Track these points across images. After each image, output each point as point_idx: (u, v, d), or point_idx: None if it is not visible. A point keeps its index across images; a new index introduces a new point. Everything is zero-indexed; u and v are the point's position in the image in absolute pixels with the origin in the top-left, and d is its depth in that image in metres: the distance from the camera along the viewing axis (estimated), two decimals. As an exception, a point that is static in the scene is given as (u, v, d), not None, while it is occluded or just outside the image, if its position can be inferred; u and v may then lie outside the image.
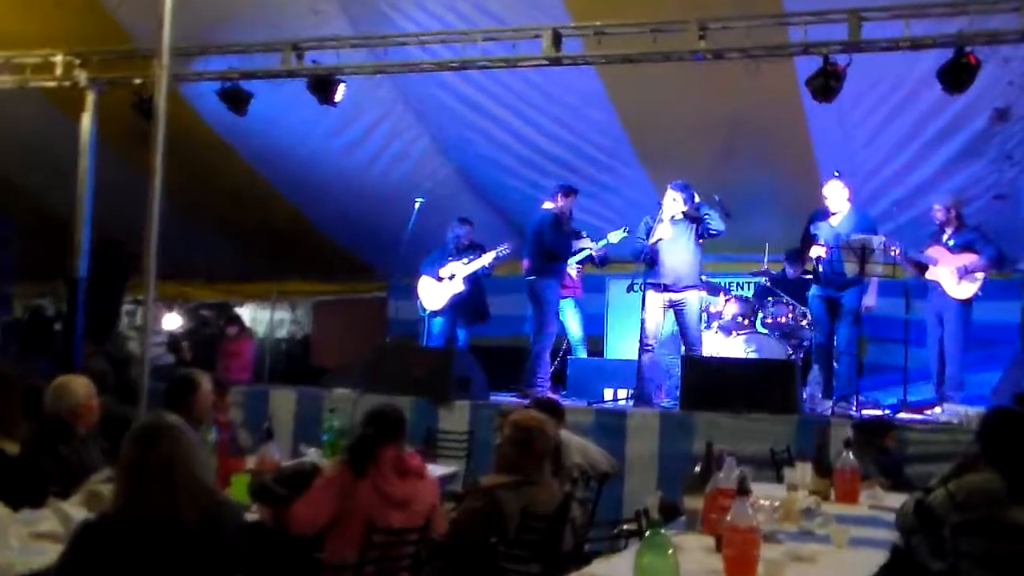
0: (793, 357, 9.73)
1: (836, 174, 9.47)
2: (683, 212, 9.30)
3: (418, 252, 10.84)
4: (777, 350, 9.83)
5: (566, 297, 10.72)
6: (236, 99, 9.67)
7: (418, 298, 10.92)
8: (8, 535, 3.99)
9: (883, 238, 8.98)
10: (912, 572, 4.42)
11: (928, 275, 9.39)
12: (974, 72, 7.81)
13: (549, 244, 9.87)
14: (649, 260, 9.33)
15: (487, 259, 10.54)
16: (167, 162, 6.41)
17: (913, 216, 10.16)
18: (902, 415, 8.72)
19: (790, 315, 10.04)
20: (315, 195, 12.41)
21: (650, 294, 9.34)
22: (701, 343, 9.65)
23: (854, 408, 8.77)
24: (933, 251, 9.38)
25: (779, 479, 6.27)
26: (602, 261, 10.82)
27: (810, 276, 10.10)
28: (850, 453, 5.49)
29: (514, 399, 9.28)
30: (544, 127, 10.92)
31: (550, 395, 9.09)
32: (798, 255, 10.35)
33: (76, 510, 4.38)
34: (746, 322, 10.13)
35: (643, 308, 9.33)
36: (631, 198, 11.42)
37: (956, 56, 7.78)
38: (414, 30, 9.56)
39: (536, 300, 9.95)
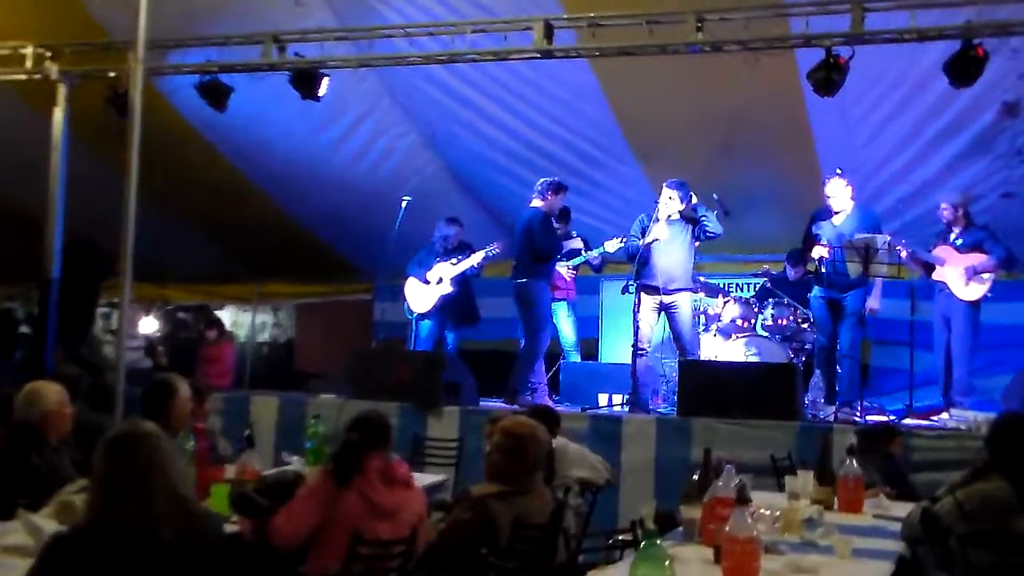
0: (794, 361, 9.74)
1: (838, 172, 9.48)
2: (679, 212, 9.31)
3: (405, 252, 10.83)
4: (778, 354, 9.83)
5: (559, 299, 10.72)
6: (215, 94, 9.64)
7: (405, 300, 10.91)
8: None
9: (888, 237, 9.00)
10: (918, 584, 4.43)
11: (935, 276, 9.40)
12: (982, 65, 7.81)
13: (539, 245, 9.81)
14: (642, 260, 9.34)
15: (476, 259, 10.54)
16: (143, 159, 6.40)
17: (919, 215, 10.19)
18: (908, 421, 8.74)
19: (791, 317, 10.05)
20: (298, 193, 12.39)
21: (642, 296, 9.36)
22: (698, 346, 9.66)
23: (858, 414, 8.79)
24: (940, 251, 9.39)
25: (780, 487, 6.26)
26: (599, 267, 10.87)
27: (812, 277, 10.12)
28: (854, 461, 5.50)
29: (505, 407, 9.26)
30: (536, 122, 10.91)
31: (547, 402, 9.13)
32: (799, 255, 10.37)
33: (47, 522, 4.36)
34: (746, 325, 10.13)
35: (636, 310, 9.34)
36: (626, 196, 11.42)
37: (963, 48, 7.78)
38: (400, 22, 9.54)
39: (526, 304, 9.87)
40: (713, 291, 10.58)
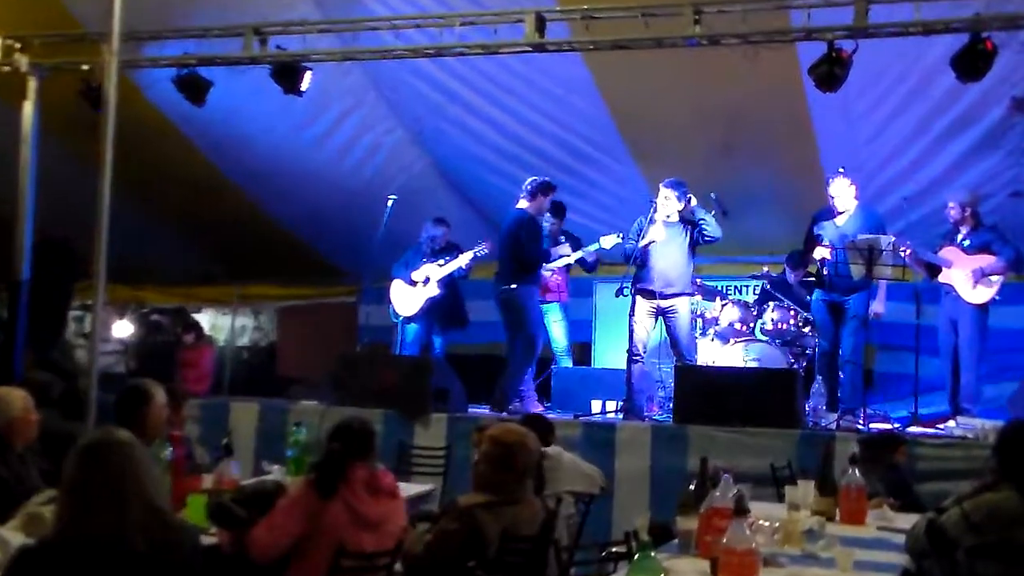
0: (795, 366, 9.74)
1: (841, 170, 9.49)
2: (677, 212, 9.31)
3: (391, 253, 10.83)
4: (778, 359, 9.83)
5: (551, 302, 10.71)
6: (193, 88, 9.61)
7: (390, 303, 10.90)
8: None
9: (892, 238, 9.01)
10: (923, 598, 4.43)
11: (941, 278, 9.41)
12: (990, 59, 7.79)
13: (525, 254, 9.73)
14: (639, 263, 9.34)
15: (464, 260, 10.53)
16: (118, 155, 6.39)
17: (924, 214, 10.19)
18: (913, 429, 8.73)
19: (792, 321, 10.06)
20: (280, 191, 12.37)
21: (639, 300, 9.35)
22: (695, 352, 9.66)
23: (861, 421, 8.79)
24: (947, 252, 9.40)
25: (780, 498, 6.27)
26: (592, 267, 10.82)
27: (813, 279, 10.13)
28: (856, 470, 5.49)
29: (494, 415, 9.26)
30: (527, 118, 10.90)
31: (535, 409, 9.13)
32: (800, 257, 10.38)
33: (13, 534, 4.35)
34: (745, 329, 10.14)
35: (631, 314, 9.34)
36: (621, 196, 11.43)
37: (971, 42, 7.77)
38: (386, 14, 9.54)
39: (515, 310, 9.79)
40: (711, 294, 10.59)
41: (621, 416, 9.35)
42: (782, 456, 7.77)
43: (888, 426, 8.96)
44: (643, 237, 9.31)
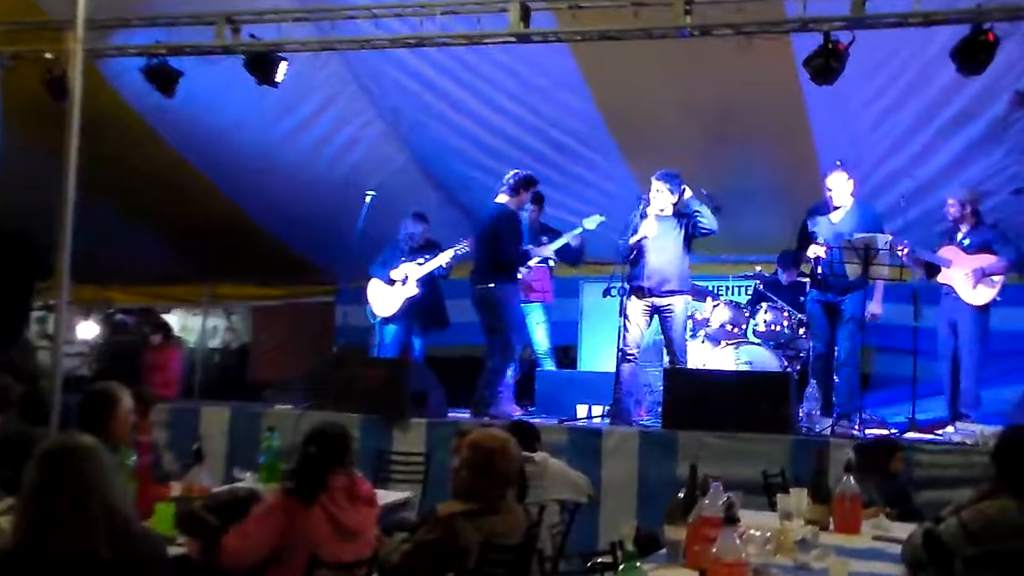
0: (788, 369, 9.77)
1: (838, 163, 9.51)
2: (671, 206, 9.31)
3: (369, 251, 10.83)
4: (771, 362, 9.86)
5: (534, 302, 10.72)
6: (163, 78, 9.57)
7: (368, 303, 10.89)
8: None
9: (889, 237, 9.02)
10: (920, 610, 4.43)
11: (941, 278, 9.44)
12: (992, 51, 7.80)
13: (504, 254, 9.72)
14: (632, 260, 9.34)
15: (444, 258, 10.53)
16: (83, 148, 6.35)
17: (923, 212, 10.23)
18: (910, 435, 8.75)
19: (785, 323, 10.08)
20: (254, 187, 12.36)
21: (632, 299, 9.34)
22: (686, 354, 9.66)
23: (856, 427, 8.80)
24: (946, 251, 9.43)
25: (771, 506, 6.27)
26: (576, 258, 10.76)
27: (807, 279, 10.14)
28: (851, 478, 5.49)
29: (475, 420, 9.25)
30: (511, 112, 10.92)
31: (511, 409, 9.14)
32: (792, 257, 10.38)
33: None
34: (736, 330, 10.16)
35: (623, 314, 9.32)
36: (608, 192, 11.44)
37: (973, 33, 7.78)
38: (365, 2, 9.47)
39: (492, 310, 9.76)
40: (701, 294, 10.56)
41: (608, 421, 9.34)
42: (774, 463, 7.78)
43: (885, 432, 8.96)
44: (635, 232, 9.31)
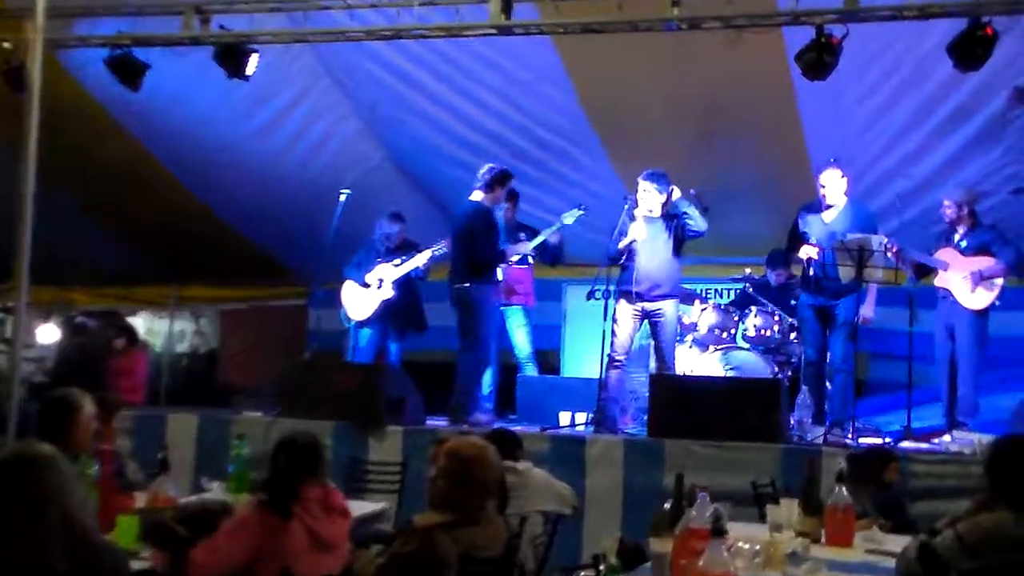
0: (779, 376, 9.78)
1: (832, 160, 9.52)
2: (660, 206, 9.31)
3: (343, 252, 10.81)
4: (761, 368, 9.88)
5: (515, 305, 10.71)
6: (127, 70, 9.54)
7: (342, 306, 10.87)
8: None
9: (884, 238, 9.04)
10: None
11: (937, 281, 9.45)
12: (991, 46, 7.83)
13: (479, 253, 9.74)
14: (621, 264, 9.34)
15: (421, 259, 10.51)
16: (44, 142, 6.32)
17: (919, 213, 10.27)
18: (905, 444, 8.76)
19: (776, 327, 10.10)
20: (223, 184, 12.33)
21: (622, 303, 9.33)
22: (675, 360, 9.66)
23: (849, 436, 8.79)
24: (943, 254, 9.45)
25: (761, 518, 6.27)
26: (556, 256, 10.75)
27: (797, 281, 10.15)
28: (844, 488, 5.51)
29: (454, 427, 9.24)
30: (491, 107, 10.91)
31: (484, 416, 9.13)
32: (781, 257, 10.39)
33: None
34: (725, 335, 10.18)
35: (612, 318, 9.32)
36: (591, 191, 11.44)
37: (970, 27, 7.81)
38: (340, -8, 9.52)
39: (467, 311, 9.77)
40: (689, 297, 10.55)
41: (592, 429, 9.34)
42: (764, 473, 7.78)
43: (879, 441, 8.98)
44: (624, 236, 9.31)
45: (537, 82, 10.43)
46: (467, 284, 9.71)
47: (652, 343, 9.65)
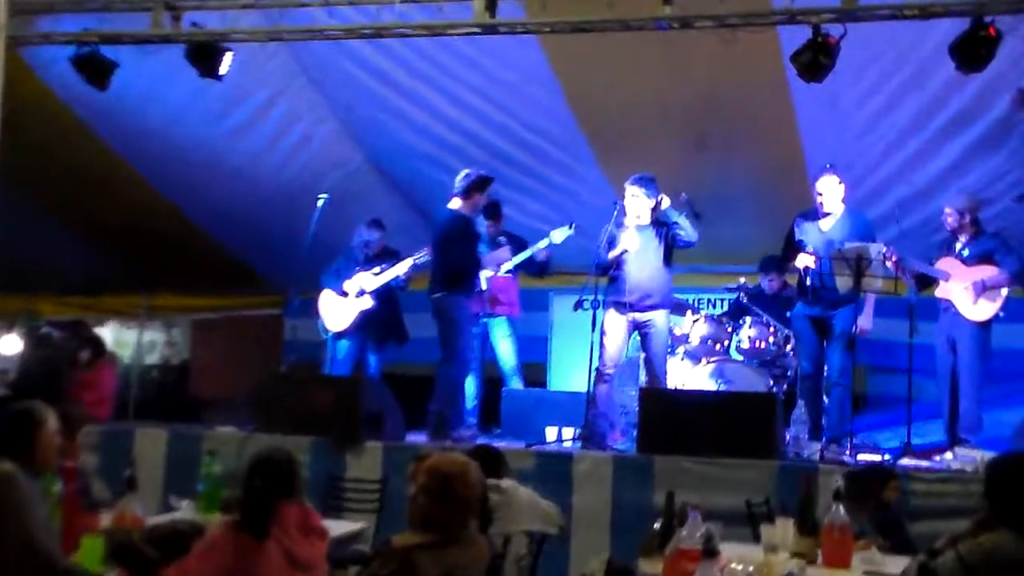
0: (774, 390, 9.78)
1: (829, 166, 9.52)
2: (649, 212, 9.30)
3: (321, 260, 10.79)
4: (755, 381, 9.87)
5: (499, 315, 10.70)
6: (95, 68, 9.48)
7: (320, 316, 10.84)
8: None
9: (883, 247, 9.05)
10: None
11: (938, 292, 9.46)
12: (994, 46, 7.82)
13: (453, 261, 9.75)
14: (611, 274, 9.33)
15: (402, 268, 10.49)
16: (7, 143, 6.32)
17: (920, 221, 10.28)
18: (905, 461, 8.77)
19: (771, 339, 10.10)
20: (196, 188, 12.30)
21: (611, 313, 9.33)
22: (666, 374, 9.66)
23: (847, 452, 8.81)
24: (944, 263, 9.46)
25: (755, 538, 6.28)
26: (542, 269, 10.77)
27: (793, 290, 10.15)
28: (841, 507, 5.51)
29: (436, 443, 9.22)
30: (475, 109, 10.92)
31: (478, 439, 9.11)
32: (775, 262, 10.39)
33: None
34: (718, 347, 10.17)
35: (600, 330, 9.31)
36: (579, 196, 11.47)
37: (973, 27, 7.80)
38: (317, -12, 9.51)
39: (443, 321, 9.78)
40: (681, 307, 10.56)
41: (579, 445, 9.32)
42: (758, 491, 7.78)
43: (877, 457, 8.98)
44: (614, 245, 9.30)
45: (523, 83, 10.44)
46: (440, 294, 9.71)
47: (642, 356, 9.64)
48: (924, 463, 8.82)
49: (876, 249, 8.96)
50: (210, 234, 13.06)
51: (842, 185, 9.46)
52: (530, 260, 10.64)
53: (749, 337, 10.13)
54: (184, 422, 10.82)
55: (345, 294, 10.65)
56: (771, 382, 9.93)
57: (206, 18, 9.42)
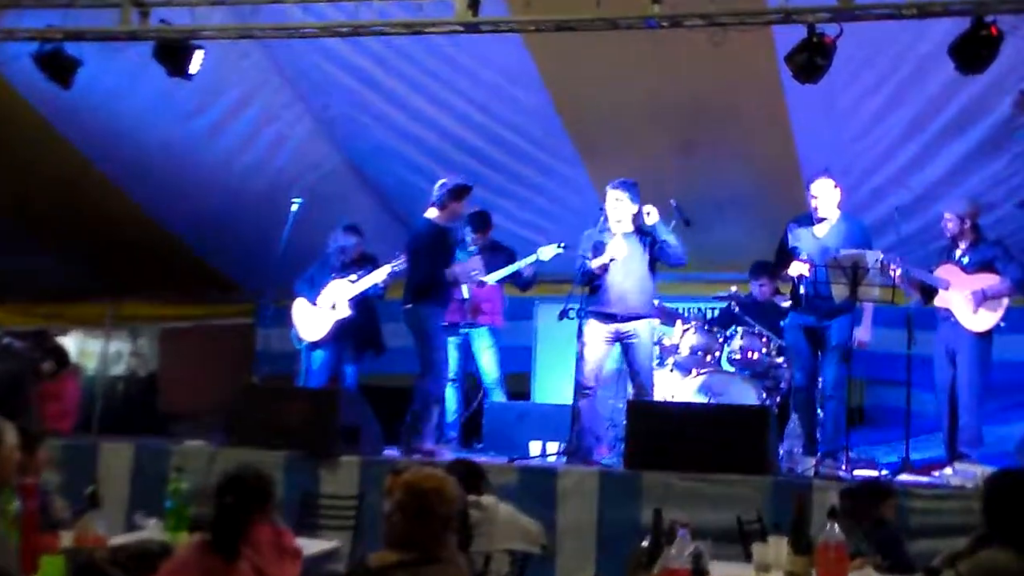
0: (767, 402, 9.78)
1: (824, 170, 9.52)
2: (631, 217, 9.29)
3: (295, 266, 10.76)
4: (747, 394, 9.87)
5: (481, 325, 10.68)
6: (58, 66, 9.45)
7: (293, 326, 10.82)
8: None
9: (880, 254, 9.05)
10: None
11: (938, 301, 9.45)
12: (995, 47, 7.84)
13: (424, 264, 9.74)
14: (594, 284, 9.32)
15: (380, 276, 10.45)
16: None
17: (918, 227, 10.31)
18: (903, 477, 8.78)
19: (764, 349, 10.10)
20: (164, 192, 12.26)
21: (592, 324, 9.31)
22: (653, 385, 9.65)
23: (843, 467, 8.83)
24: (943, 271, 9.46)
25: (747, 556, 6.27)
26: (528, 284, 10.78)
27: (785, 296, 10.16)
28: (836, 525, 5.50)
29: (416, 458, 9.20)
30: (457, 110, 10.92)
31: (459, 453, 9.09)
32: (767, 267, 10.38)
33: None
34: (708, 358, 10.17)
35: (581, 340, 9.31)
36: (565, 201, 11.47)
37: (973, 27, 7.82)
38: (293, -16, 9.50)
39: (415, 333, 9.77)
40: (670, 317, 10.55)
41: (564, 460, 9.32)
42: (750, 507, 7.76)
43: (874, 473, 9.00)
44: (600, 252, 9.28)
45: (507, 84, 10.45)
46: (410, 305, 9.71)
47: (627, 368, 9.63)
48: (923, 479, 8.84)
49: (873, 257, 8.96)
50: (179, 238, 13.02)
51: (838, 189, 9.45)
52: (516, 273, 10.62)
53: (741, 347, 10.11)
54: (151, 436, 10.81)
55: (320, 303, 10.61)
56: (763, 394, 9.92)
57: (175, 15, 9.39)
